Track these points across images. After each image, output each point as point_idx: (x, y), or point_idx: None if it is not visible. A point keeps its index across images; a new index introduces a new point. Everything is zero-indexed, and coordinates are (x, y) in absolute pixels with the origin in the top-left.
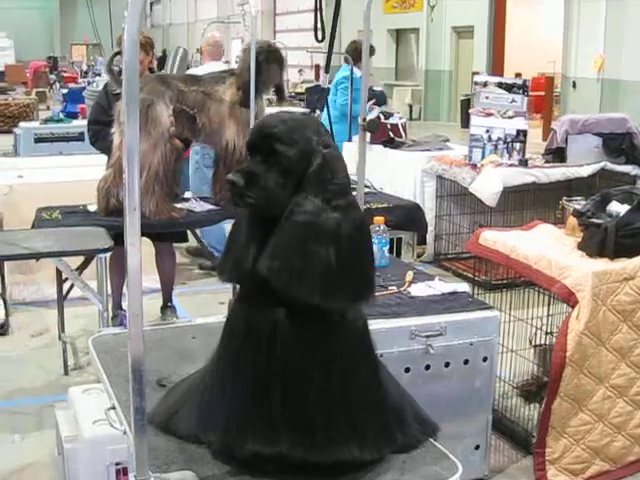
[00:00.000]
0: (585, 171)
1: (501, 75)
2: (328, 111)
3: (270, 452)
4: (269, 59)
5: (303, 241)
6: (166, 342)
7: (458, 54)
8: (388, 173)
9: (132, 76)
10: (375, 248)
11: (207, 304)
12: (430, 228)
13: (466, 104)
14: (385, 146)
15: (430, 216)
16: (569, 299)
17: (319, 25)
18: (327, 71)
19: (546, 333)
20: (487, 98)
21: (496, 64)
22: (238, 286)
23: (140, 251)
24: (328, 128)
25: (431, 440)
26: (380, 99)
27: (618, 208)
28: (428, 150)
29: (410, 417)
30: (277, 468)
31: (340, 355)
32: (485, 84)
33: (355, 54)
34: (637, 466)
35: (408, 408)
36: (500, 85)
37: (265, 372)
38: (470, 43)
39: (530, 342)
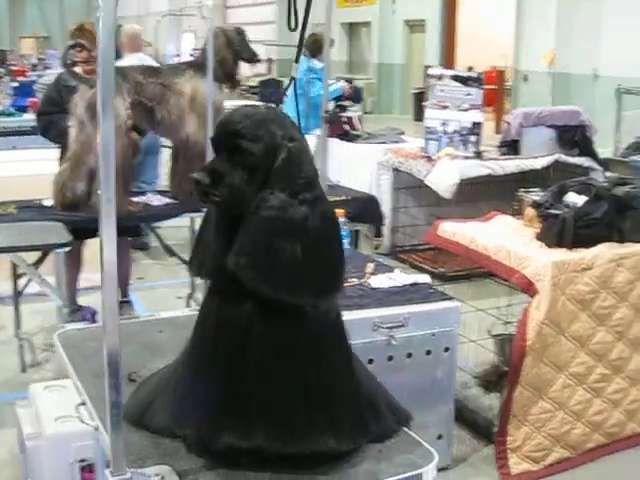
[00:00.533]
0: (539, 163)
1: (453, 68)
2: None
3: (246, 445)
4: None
5: (269, 237)
6: (133, 336)
7: (410, 48)
8: (344, 166)
9: (108, 66)
10: None
11: (165, 299)
12: (386, 220)
13: (418, 97)
14: (341, 139)
15: (386, 208)
16: (529, 289)
17: (303, 15)
18: (297, 61)
19: (504, 323)
20: (442, 91)
21: (448, 57)
22: (205, 281)
23: (115, 245)
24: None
25: (405, 429)
26: (357, 95)
27: (575, 199)
28: (384, 143)
29: (384, 406)
30: (253, 461)
31: (313, 346)
32: (440, 77)
33: (314, 46)
34: (596, 453)
35: (381, 397)
36: (455, 78)
37: (239, 365)
38: (422, 37)
39: (489, 332)
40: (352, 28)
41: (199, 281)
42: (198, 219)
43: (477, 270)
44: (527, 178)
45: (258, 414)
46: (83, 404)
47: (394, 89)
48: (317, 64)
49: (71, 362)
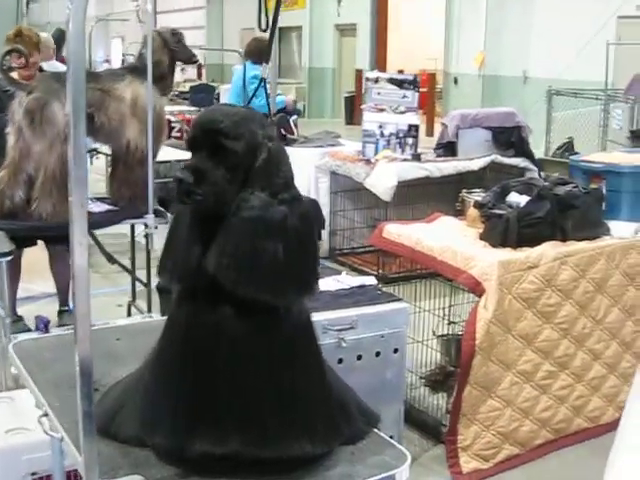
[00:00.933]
0: (476, 164)
1: (384, 72)
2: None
3: (221, 451)
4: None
5: (251, 237)
6: (90, 345)
7: (341, 52)
8: None
9: (78, 69)
10: None
11: (105, 307)
12: (325, 224)
13: (350, 101)
14: (286, 145)
15: (325, 212)
16: (476, 289)
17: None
18: (267, 61)
19: (449, 323)
20: (379, 94)
21: (379, 61)
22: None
23: (87, 250)
24: None
25: (375, 430)
26: (297, 110)
27: (517, 199)
28: (320, 147)
29: (354, 408)
30: (227, 467)
31: (287, 349)
32: (377, 80)
33: (256, 52)
34: (545, 449)
35: (350, 399)
36: (391, 81)
37: (210, 370)
38: (353, 41)
39: (434, 333)
40: (282, 32)
41: (141, 288)
42: (139, 226)
43: (418, 271)
44: (464, 179)
45: (232, 419)
46: (45, 415)
47: (325, 93)
48: (260, 71)
49: (29, 373)
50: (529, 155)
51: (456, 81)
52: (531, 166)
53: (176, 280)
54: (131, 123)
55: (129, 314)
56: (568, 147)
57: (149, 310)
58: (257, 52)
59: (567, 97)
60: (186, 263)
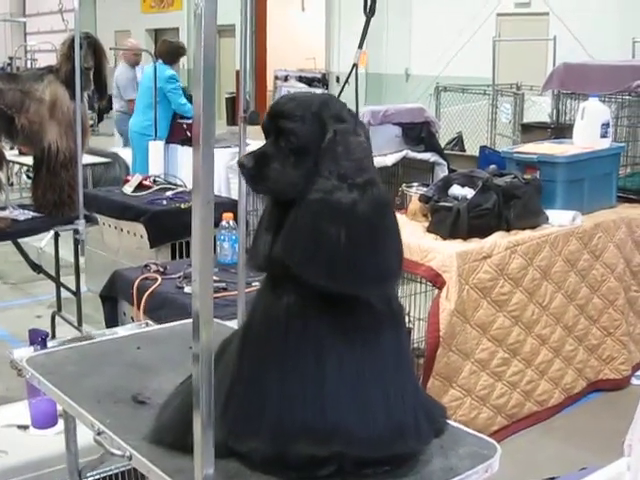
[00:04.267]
0: (389, 160)
1: (264, 72)
2: (155, 112)
3: (326, 453)
4: (95, 49)
5: (314, 220)
6: (111, 356)
7: (220, 52)
8: (189, 171)
9: (209, 69)
10: (226, 245)
11: (23, 319)
12: None
13: (231, 102)
14: (182, 145)
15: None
16: (436, 280)
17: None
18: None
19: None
20: (288, 92)
21: (259, 61)
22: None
23: None
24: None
25: (450, 422)
26: None
27: (460, 191)
28: (228, 147)
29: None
30: (331, 471)
31: (389, 345)
32: (286, 78)
33: (167, 53)
34: (499, 435)
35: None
36: (300, 79)
37: (314, 368)
38: (232, 42)
39: None
40: (159, 34)
41: (67, 295)
42: (65, 233)
43: None
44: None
45: (333, 418)
46: (99, 433)
47: None
48: (169, 72)
49: (62, 390)
50: (438, 150)
51: (338, 80)
52: (440, 160)
53: (255, 268)
54: (51, 125)
55: (53, 325)
56: (458, 141)
57: (79, 321)
58: (169, 53)
59: (454, 93)
60: (262, 249)
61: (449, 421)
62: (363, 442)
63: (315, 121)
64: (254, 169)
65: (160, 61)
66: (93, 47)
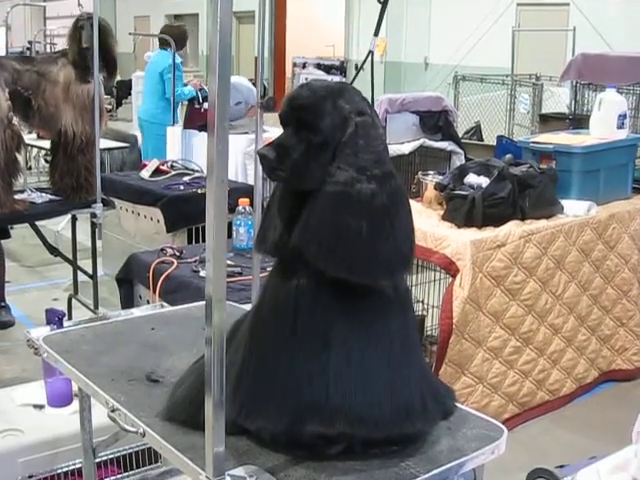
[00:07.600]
0: (406, 148)
1: (283, 59)
2: (173, 98)
3: (333, 432)
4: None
5: (334, 213)
6: (127, 336)
7: (239, 39)
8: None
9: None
10: (242, 230)
11: (40, 301)
12: None
13: None
14: (200, 130)
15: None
16: (449, 268)
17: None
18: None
19: (415, 302)
20: (307, 79)
21: (278, 49)
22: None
23: None
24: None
25: (458, 405)
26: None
27: (476, 180)
28: (246, 133)
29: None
30: (339, 451)
31: (396, 327)
32: (304, 65)
33: (181, 39)
34: (511, 423)
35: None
36: (319, 67)
37: (321, 348)
38: (251, 28)
39: None
40: (178, 20)
41: (84, 278)
42: (82, 217)
43: None
44: (395, 164)
45: (339, 398)
46: (114, 410)
47: None
48: (177, 58)
49: (78, 368)
50: (455, 139)
51: (357, 67)
52: (458, 149)
53: (264, 252)
54: (66, 109)
55: (69, 308)
56: (476, 131)
57: (95, 304)
58: (180, 38)
59: (473, 82)
60: (272, 235)
61: (457, 404)
62: (369, 422)
63: (337, 115)
64: (275, 161)
65: (169, 49)
66: (99, 28)
